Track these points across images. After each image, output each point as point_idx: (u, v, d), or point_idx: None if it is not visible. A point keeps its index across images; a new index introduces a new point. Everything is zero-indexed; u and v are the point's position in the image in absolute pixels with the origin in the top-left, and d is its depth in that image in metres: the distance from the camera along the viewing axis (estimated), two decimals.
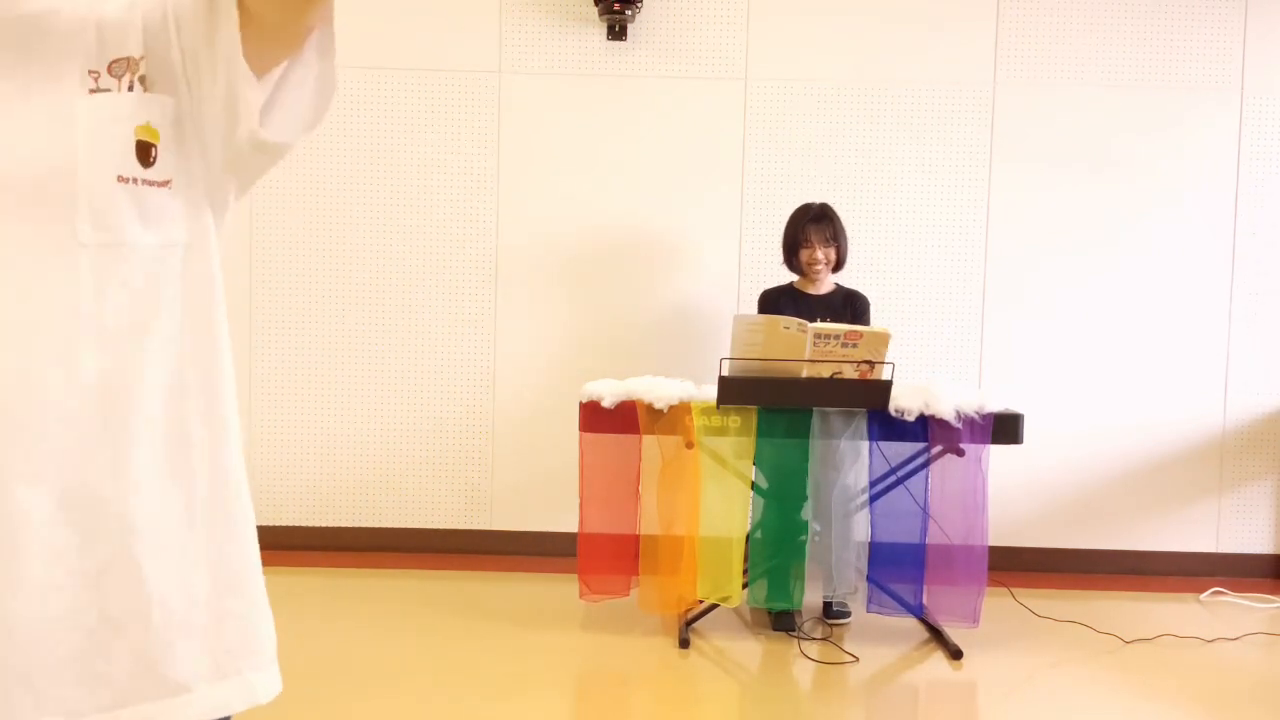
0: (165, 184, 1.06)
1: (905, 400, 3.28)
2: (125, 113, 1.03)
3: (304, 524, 4.24)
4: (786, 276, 3.91)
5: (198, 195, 1.11)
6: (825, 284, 3.83)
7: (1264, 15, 4.16)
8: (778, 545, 3.38)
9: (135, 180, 1.03)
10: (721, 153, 4.19)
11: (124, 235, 1.03)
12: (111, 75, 1.03)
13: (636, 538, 3.48)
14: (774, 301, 3.84)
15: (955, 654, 3.29)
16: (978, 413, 3.27)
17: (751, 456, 3.37)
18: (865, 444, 3.36)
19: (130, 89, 1.03)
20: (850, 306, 3.83)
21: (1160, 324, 4.22)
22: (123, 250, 1.03)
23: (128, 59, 1.04)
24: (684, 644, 3.32)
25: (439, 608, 3.63)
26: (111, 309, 1.02)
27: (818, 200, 3.85)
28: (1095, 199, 4.20)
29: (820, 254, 3.74)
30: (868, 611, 3.46)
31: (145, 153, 1.04)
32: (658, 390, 3.35)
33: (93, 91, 1.02)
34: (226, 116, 1.04)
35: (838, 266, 3.83)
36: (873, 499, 3.44)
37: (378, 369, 4.22)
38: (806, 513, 3.40)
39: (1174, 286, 4.22)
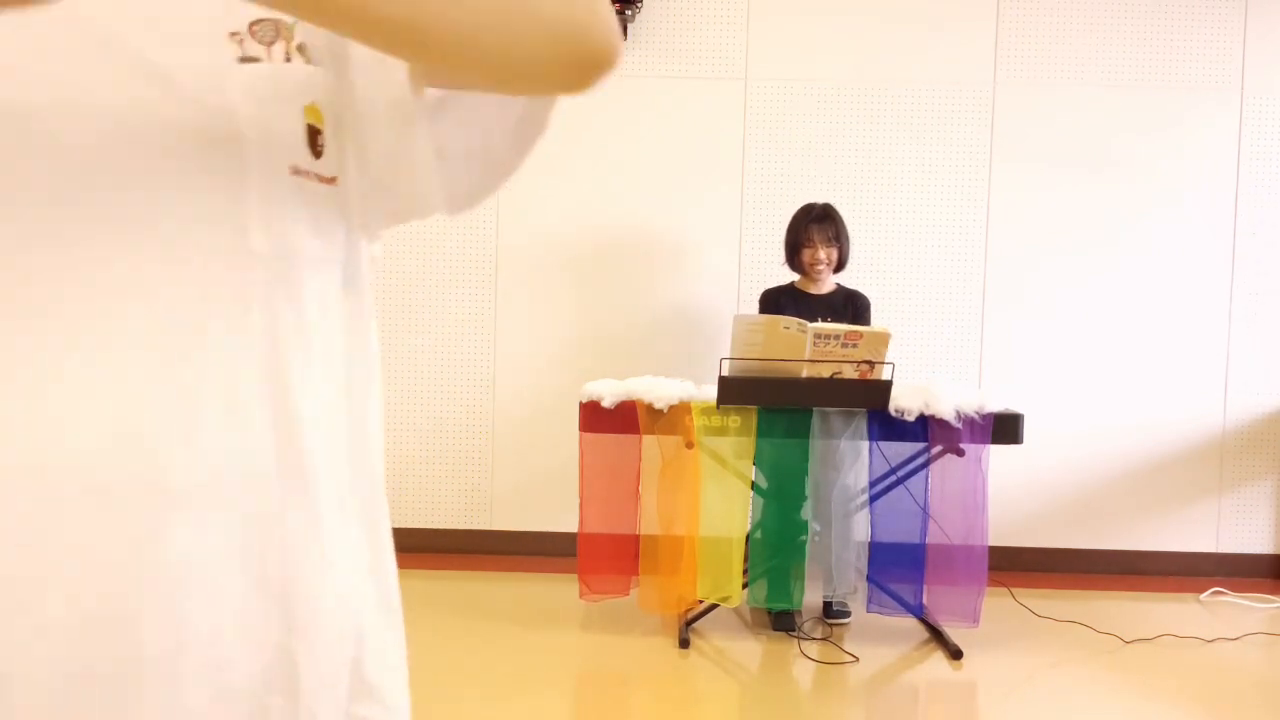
0: (332, 181, 0.82)
1: (905, 400, 3.28)
2: (289, 88, 0.79)
3: None
4: (786, 276, 3.91)
5: (354, 204, 0.86)
6: (826, 284, 3.83)
7: (1264, 15, 4.16)
8: (778, 545, 3.39)
9: (308, 173, 0.79)
10: (721, 153, 4.19)
11: (298, 244, 0.79)
12: (256, 40, 0.78)
13: (636, 538, 3.48)
14: (775, 301, 3.85)
15: (955, 654, 3.29)
16: (978, 413, 3.27)
17: (751, 456, 3.37)
18: (865, 444, 3.36)
19: (288, 59, 0.79)
20: (851, 306, 3.83)
21: (1160, 324, 4.22)
22: (294, 263, 0.79)
23: (276, 22, 0.79)
24: (684, 644, 3.32)
25: (439, 608, 3.63)
26: (283, 344, 0.77)
27: (819, 200, 3.85)
28: (1095, 199, 4.20)
29: (823, 254, 3.75)
30: (868, 611, 3.46)
31: (314, 139, 0.81)
32: (658, 390, 3.35)
33: (242, 60, 0.76)
34: (389, 118, 0.83)
35: (839, 267, 3.83)
36: (873, 499, 3.44)
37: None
38: (806, 513, 3.40)
39: (1174, 286, 4.22)
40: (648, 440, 3.43)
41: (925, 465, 3.38)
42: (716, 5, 4.16)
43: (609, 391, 3.37)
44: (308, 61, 0.80)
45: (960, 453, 3.31)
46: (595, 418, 3.37)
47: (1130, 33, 4.17)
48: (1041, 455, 4.13)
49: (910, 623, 3.52)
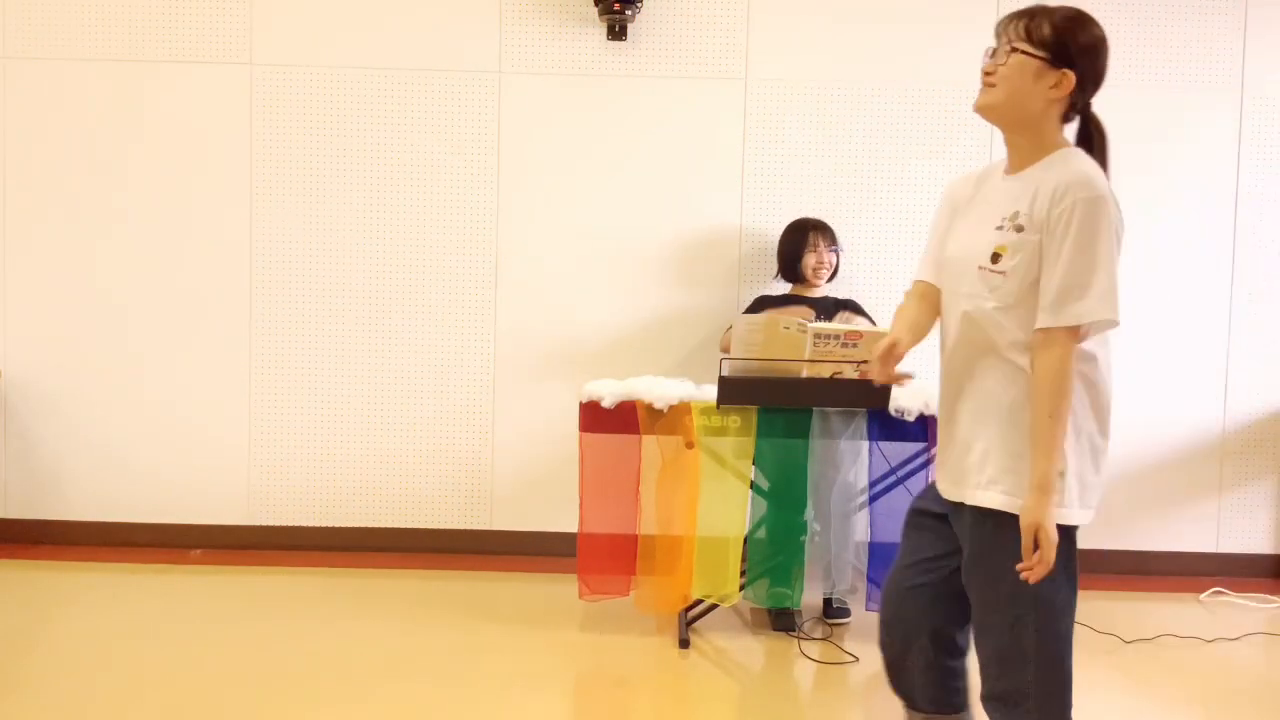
0: (1002, 273, 1.92)
1: (905, 400, 3.29)
2: (990, 237, 1.93)
3: (304, 524, 4.24)
4: (780, 288, 3.97)
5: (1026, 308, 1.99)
6: (820, 290, 3.89)
7: (1264, 15, 4.16)
8: (778, 545, 3.38)
9: (984, 269, 1.93)
10: (721, 153, 4.19)
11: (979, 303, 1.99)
12: (1006, 221, 1.93)
13: (636, 537, 3.48)
14: (772, 304, 3.88)
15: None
16: None
17: (751, 456, 3.37)
18: (865, 444, 3.36)
19: (1000, 228, 1.95)
20: (846, 307, 3.87)
21: (1160, 324, 4.22)
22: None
23: (1014, 213, 1.93)
24: (684, 644, 3.32)
25: (439, 608, 3.63)
26: None
27: (816, 207, 3.98)
28: None
29: (826, 258, 3.83)
30: (867, 611, 3.46)
31: (995, 258, 1.90)
32: (658, 390, 3.35)
33: (996, 228, 1.95)
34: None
35: (831, 276, 3.90)
36: (872, 499, 3.44)
37: (378, 368, 4.23)
38: (806, 513, 3.40)
39: (1174, 286, 4.22)
40: (648, 440, 3.43)
41: (925, 465, 3.38)
42: (716, 5, 4.16)
43: (609, 391, 3.37)
44: (1017, 231, 2.00)
45: None
46: (595, 418, 3.37)
47: (1130, 33, 4.17)
48: None
49: None
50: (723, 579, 3.36)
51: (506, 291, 4.22)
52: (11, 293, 4.21)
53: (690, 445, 3.30)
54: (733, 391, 3.27)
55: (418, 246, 4.20)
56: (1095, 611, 3.74)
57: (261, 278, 4.18)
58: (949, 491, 1.98)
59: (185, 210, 4.17)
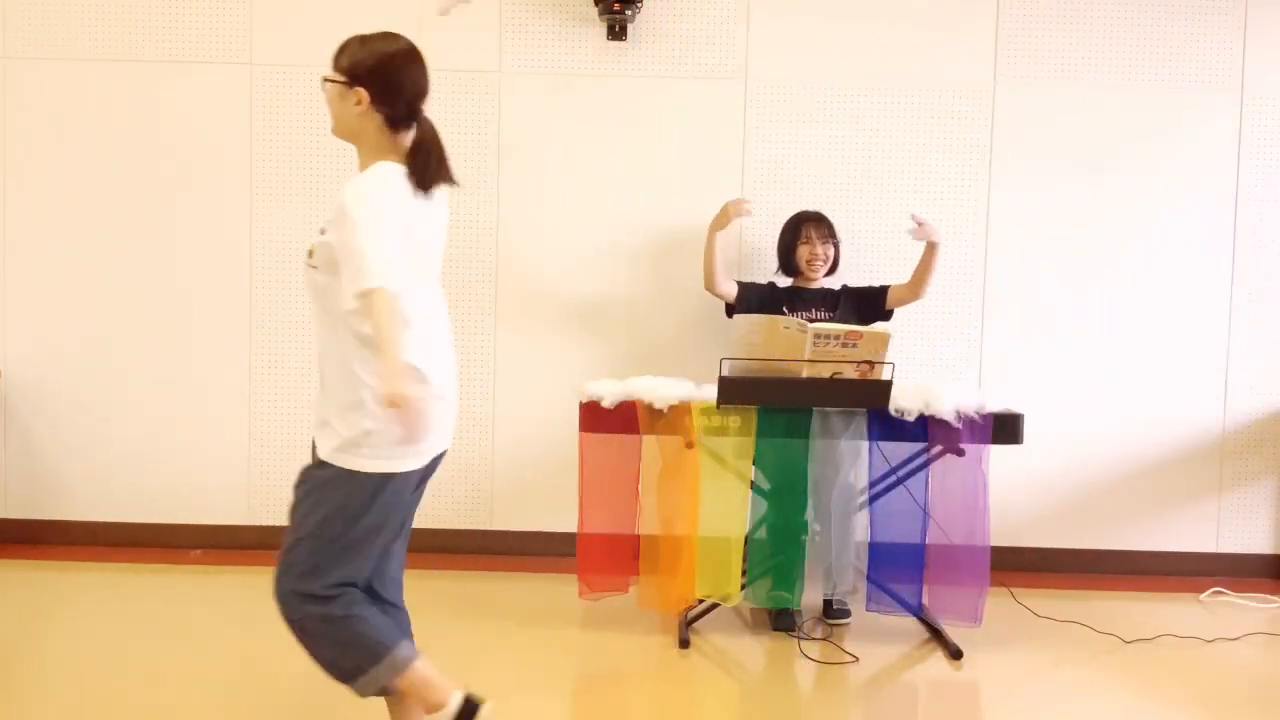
0: (315, 267, 2.24)
1: (905, 400, 3.28)
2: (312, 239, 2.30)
3: None
4: (782, 282, 3.97)
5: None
6: (816, 284, 3.89)
7: (1264, 15, 4.16)
8: (778, 545, 3.38)
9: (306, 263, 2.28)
10: (721, 153, 4.19)
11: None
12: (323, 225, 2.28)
13: (636, 537, 3.48)
14: (768, 292, 3.88)
15: (955, 654, 3.29)
16: (978, 413, 3.27)
17: (751, 456, 3.37)
18: (865, 444, 3.36)
19: (322, 232, 2.24)
20: (842, 295, 3.88)
21: (1160, 324, 4.22)
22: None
23: (328, 220, 2.25)
24: (684, 643, 3.32)
25: (439, 608, 3.62)
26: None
27: (816, 206, 3.99)
28: (1095, 199, 4.20)
29: (820, 250, 3.82)
30: (867, 611, 3.46)
31: (310, 254, 2.26)
32: (658, 390, 3.35)
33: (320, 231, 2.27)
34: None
35: (831, 269, 3.89)
36: (873, 499, 3.44)
37: None
38: (807, 513, 3.40)
39: (1174, 286, 4.22)
40: (648, 440, 3.42)
41: (925, 465, 3.38)
42: (716, 5, 4.16)
43: (609, 391, 3.37)
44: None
45: (960, 453, 3.31)
46: (595, 418, 3.37)
47: (1130, 33, 4.17)
48: (1041, 455, 4.13)
49: (910, 623, 3.52)
50: (724, 579, 3.36)
51: (506, 290, 4.22)
52: (11, 293, 4.21)
53: (690, 445, 3.30)
54: (733, 391, 3.27)
55: None
56: (1095, 611, 3.74)
57: (261, 278, 4.18)
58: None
59: (185, 210, 4.17)
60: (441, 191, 2.28)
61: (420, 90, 2.30)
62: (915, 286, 3.82)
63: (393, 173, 2.20)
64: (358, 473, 2.17)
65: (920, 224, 3.73)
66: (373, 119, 2.25)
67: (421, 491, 2.37)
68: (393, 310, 2.03)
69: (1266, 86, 4.18)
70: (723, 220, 3.83)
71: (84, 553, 4.11)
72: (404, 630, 2.44)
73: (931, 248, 3.77)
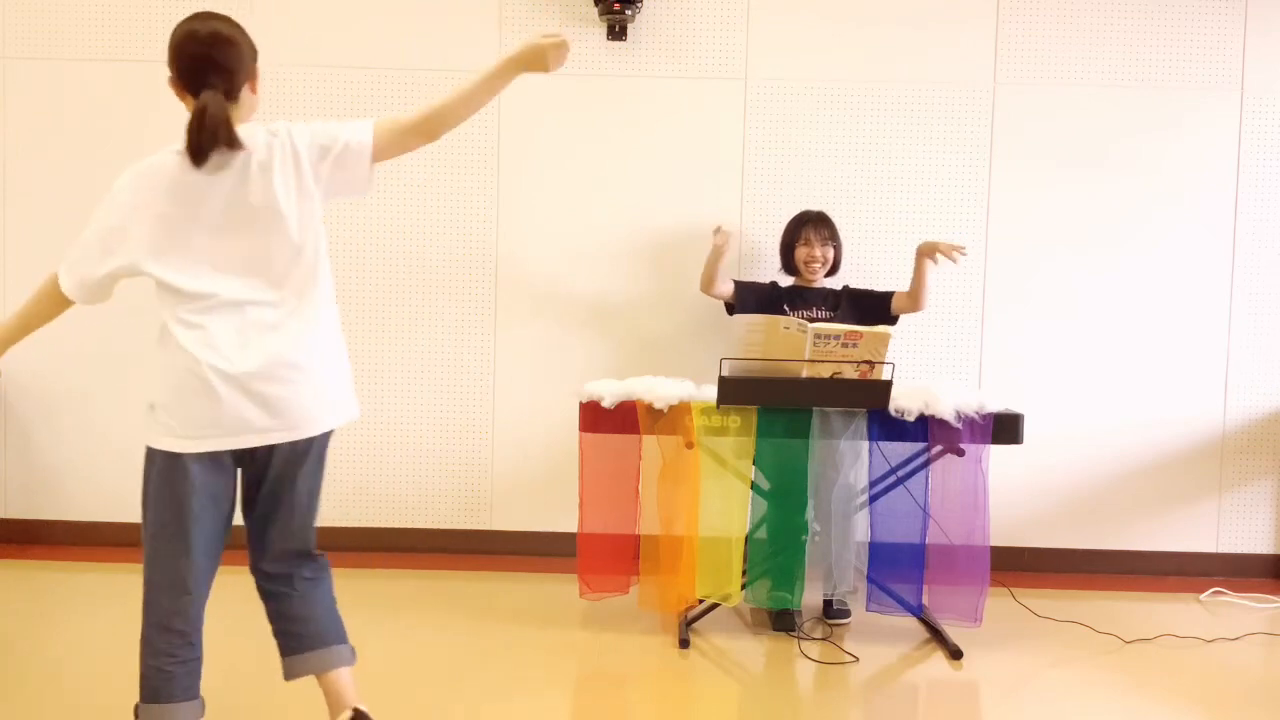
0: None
1: (905, 400, 3.28)
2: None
3: None
4: (784, 281, 3.96)
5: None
6: (817, 284, 3.90)
7: (1264, 15, 4.16)
8: (778, 545, 3.38)
9: None
10: (721, 153, 4.19)
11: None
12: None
13: (636, 537, 3.48)
14: (769, 291, 3.89)
15: (955, 654, 3.29)
16: (978, 413, 3.27)
17: (751, 456, 3.37)
18: (865, 444, 3.36)
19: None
20: (844, 295, 3.88)
21: (1160, 324, 4.22)
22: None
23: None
24: (684, 644, 3.32)
25: (439, 608, 3.62)
26: None
27: (817, 204, 4.00)
28: (1095, 199, 4.20)
29: (819, 252, 3.82)
30: (867, 611, 3.46)
31: None
32: (658, 390, 3.35)
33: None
34: None
35: (831, 270, 3.90)
36: (873, 499, 3.44)
37: (378, 369, 4.23)
38: (807, 513, 3.40)
39: (1174, 286, 4.22)
40: (648, 440, 3.42)
41: (925, 465, 3.38)
42: (716, 5, 4.16)
43: (609, 391, 3.37)
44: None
45: (960, 453, 3.31)
46: (595, 418, 3.37)
47: (1130, 33, 4.17)
48: (1041, 455, 4.13)
49: (910, 623, 3.52)
50: (725, 579, 3.36)
51: (506, 290, 4.22)
52: (11, 293, 4.21)
53: (690, 445, 3.30)
54: (733, 391, 3.27)
55: (417, 246, 4.20)
56: (1095, 611, 3.74)
57: None
58: None
59: None
60: (239, 167, 2.16)
61: (183, 64, 2.23)
62: (914, 299, 3.82)
63: (151, 160, 2.23)
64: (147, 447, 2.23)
65: (942, 254, 3.71)
66: (183, 101, 2.28)
67: (216, 492, 2.27)
68: (38, 289, 2.27)
69: (1266, 86, 4.18)
70: (720, 255, 3.83)
71: (84, 553, 4.11)
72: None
73: (922, 261, 3.77)
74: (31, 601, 3.67)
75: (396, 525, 4.26)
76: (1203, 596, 3.97)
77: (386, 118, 2.28)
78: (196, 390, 2.13)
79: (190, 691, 2.28)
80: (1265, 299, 4.21)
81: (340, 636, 2.48)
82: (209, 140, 2.13)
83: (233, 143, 2.13)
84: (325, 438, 2.38)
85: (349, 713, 2.36)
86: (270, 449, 2.25)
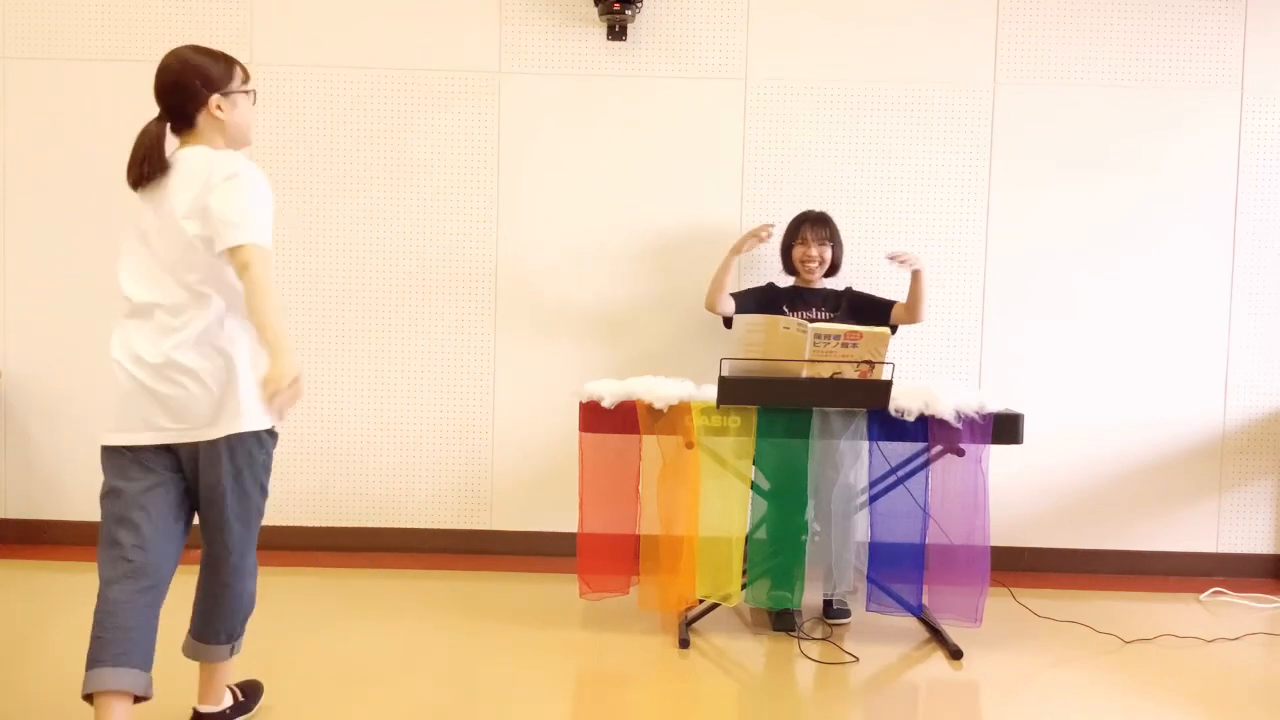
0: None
1: (905, 400, 3.28)
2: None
3: (304, 524, 4.24)
4: (783, 281, 3.97)
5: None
6: (816, 284, 3.89)
7: (1264, 14, 4.16)
8: (778, 545, 3.38)
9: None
10: (721, 153, 4.19)
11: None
12: None
13: (636, 537, 3.48)
14: (768, 292, 3.89)
15: (955, 654, 3.29)
16: (978, 413, 3.27)
17: (751, 456, 3.37)
18: (865, 444, 3.36)
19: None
20: (845, 297, 3.88)
21: (1160, 324, 4.22)
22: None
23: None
24: (684, 643, 3.32)
25: (439, 608, 3.63)
26: None
27: (817, 205, 4.01)
28: (1095, 199, 4.20)
29: (815, 252, 3.83)
30: (867, 611, 3.46)
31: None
32: (658, 390, 3.35)
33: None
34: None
35: (831, 271, 3.90)
36: (873, 499, 3.44)
37: (378, 369, 4.23)
38: (807, 513, 3.40)
39: (1174, 286, 4.22)
40: (648, 440, 3.42)
41: (925, 465, 3.38)
42: (716, 5, 4.16)
43: (609, 391, 3.37)
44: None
45: (960, 453, 3.31)
46: (595, 418, 3.37)
47: (1130, 33, 4.17)
48: (1041, 455, 4.13)
49: (910, 623, 3.52)
50: (725, 579, 3.36)
51: (506, 291, 4.22)
52: (11, 293, 4.21)
53: (690, 445, 3.30)
54: (733, 391, 3.27)
55: (418, 246, 4.20)
56: (1095, 611, 3.74)
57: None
58: None
59: None
60: (166, 186, 2.37)
61: (158, 95, 2.42)
62: (911, 312, 3.82)
63: None
64: None
65: (902, 260, 3.71)
66: None
67: (145, 487, 2.69)
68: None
69: (1266, 86, 4.18)
70: (743, 245, 3.84)
71: (84, 553, 4.11)
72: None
73: (916, 275, 3.77)
74: (31, 601, 3.66)
75: (396, 525, 4.26)
76: (1203, 596, 3.97)
77: (262, 259, 2.38)
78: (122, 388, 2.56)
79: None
80: (1265, 299, 4.21)
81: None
82: (133, 163, 2.38)
83: (155, 165, 2.36)
84: (232, 444, 2.50)
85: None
86: (179, 448, 2.55)
